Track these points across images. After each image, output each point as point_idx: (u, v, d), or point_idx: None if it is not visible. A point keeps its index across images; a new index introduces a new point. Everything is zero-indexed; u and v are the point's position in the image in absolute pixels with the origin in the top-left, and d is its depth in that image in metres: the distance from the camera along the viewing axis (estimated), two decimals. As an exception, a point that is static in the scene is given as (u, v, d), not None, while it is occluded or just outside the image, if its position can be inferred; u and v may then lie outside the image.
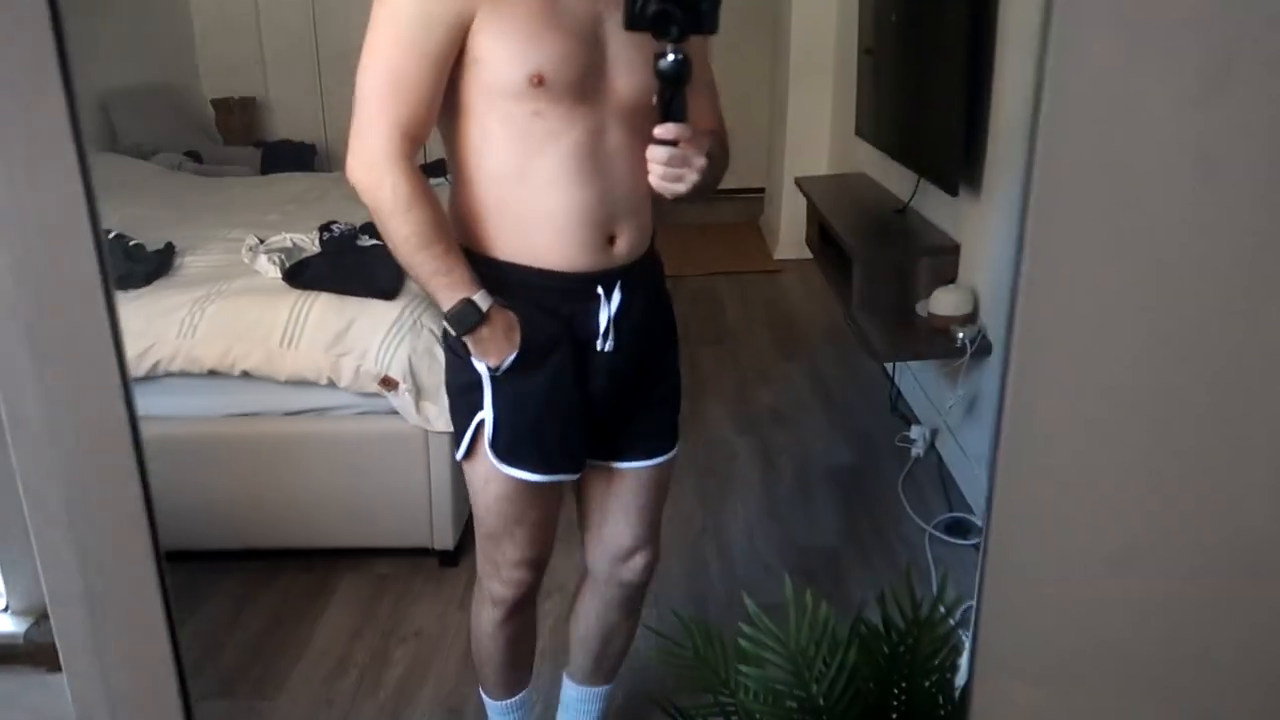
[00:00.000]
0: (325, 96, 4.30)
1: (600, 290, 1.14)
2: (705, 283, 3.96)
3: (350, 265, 1.99)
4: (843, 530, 2.12)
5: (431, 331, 1.88)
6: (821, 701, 0.78)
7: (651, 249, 1.23)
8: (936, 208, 2.31)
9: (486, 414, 1.18)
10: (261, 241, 2.11)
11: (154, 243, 2.13)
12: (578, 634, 1.43)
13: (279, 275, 1.94)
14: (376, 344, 1.84)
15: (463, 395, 1.19)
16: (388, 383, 1.84)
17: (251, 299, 1.91)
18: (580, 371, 1.18)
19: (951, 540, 2.04)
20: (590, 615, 1.40)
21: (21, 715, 0.85)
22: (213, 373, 1.86)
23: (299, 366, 1.85)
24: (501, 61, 1.06)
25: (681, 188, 1.05)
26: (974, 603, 0.72)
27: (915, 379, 2.52)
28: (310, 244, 2.11)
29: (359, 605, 1.91)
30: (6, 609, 0.82)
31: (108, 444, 0.69)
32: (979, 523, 1.99)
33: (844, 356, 3.05)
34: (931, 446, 2.34)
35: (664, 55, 1.00)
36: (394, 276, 1.93)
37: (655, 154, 1.03)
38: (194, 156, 3.61)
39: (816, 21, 3.74)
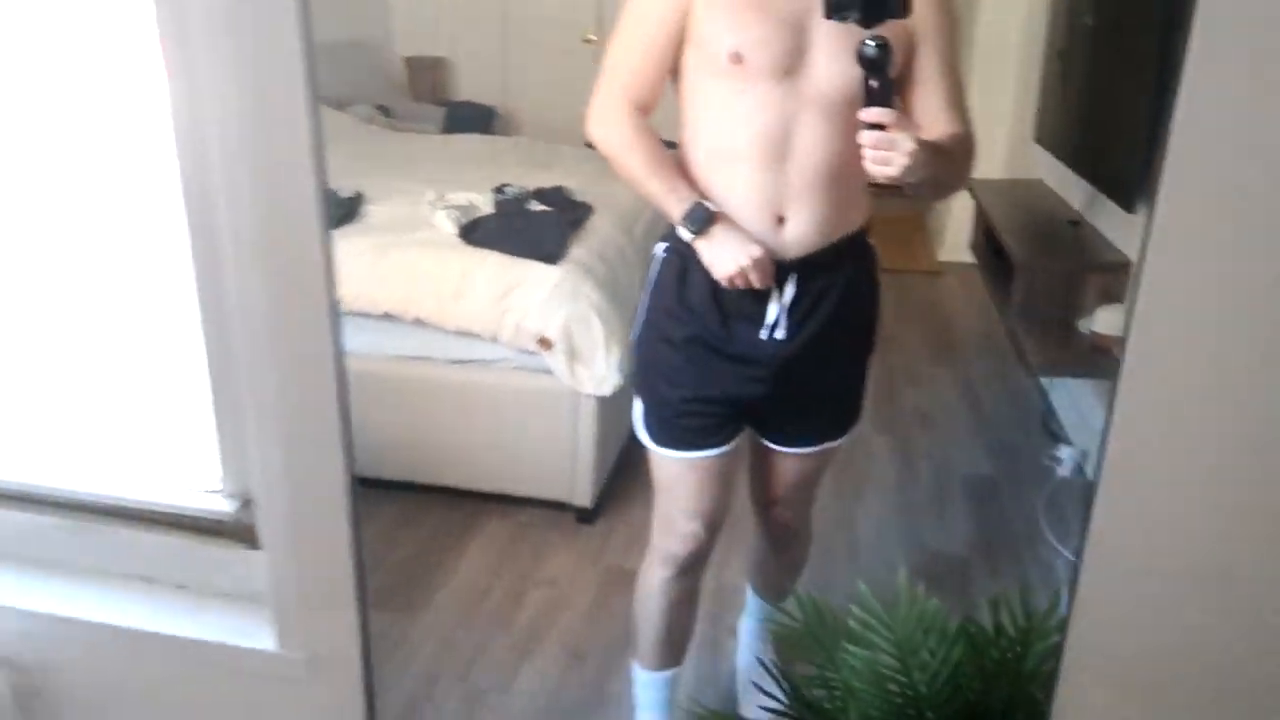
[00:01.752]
0: (508, 60, 4.46)
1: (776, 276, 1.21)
2: (863, 277, 3.92)
3: (520, 228, 2.09)
4: (975, 541, 2.10)
5: (589, 298, 1.97)
6: (923, 690, 0.80)
7: (852, 241, 1.27)
8: (1113, 223, 2.24)
9: (637, 400, 1.33)
10: (440, 197, 2.24)
11: (345, 190, 2.29)
12: (755, 560, 1.63)
13: (455, 231, 2.07)
14: (538, 304, 1.94)
15: (638, 365, 1.36)
16: (545, 342, 1.93)
17: (428, 251, 2.04)
18: (741, 358, 1.26)
19: (1060, 591, 1.99)
20: (759, 547, 1.57)
21: (224, 580, 0.98)
22: (387, 315, 2.00)
23: (466, 319, 1.97)
24: (708, 40, 1.19)
25: (891, 170, 1.08)
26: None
27: (1071, 398, 2.45)
28: (484, 204, 2.22)
29: (499, 547, 2.03)
30: (221, 490, 0.95)
31: (316, 359, 0.80)
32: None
33: (997, 367, 2.98)
34: (1079, 469, 2.28)
35: (864, 41, 1.06)
36: (559, 242, 2.03)
37: (862, 137, 1.09)
38: (384, 111, 3.82)
39: (1003, 18, 3.62)
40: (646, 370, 1.34)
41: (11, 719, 1.09)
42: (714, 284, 1.22)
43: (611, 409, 1.99)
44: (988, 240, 2.65)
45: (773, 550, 1.55)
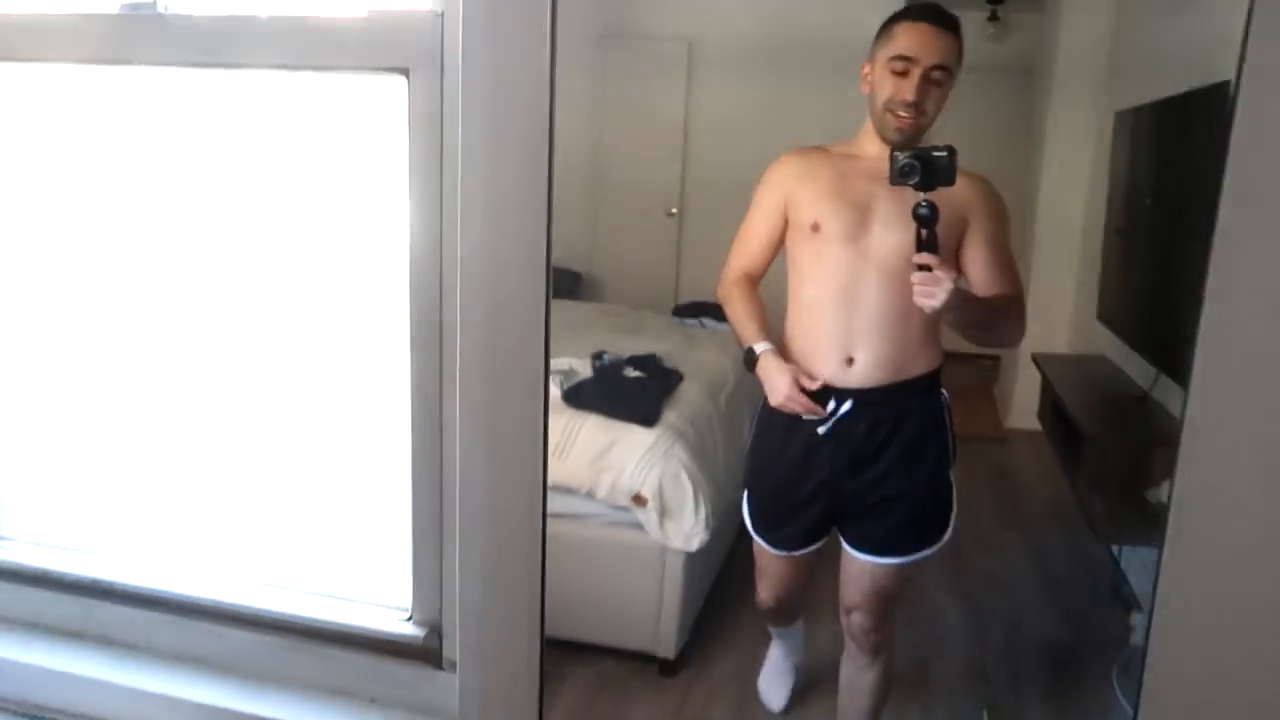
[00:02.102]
0: (597, 227, 4.78)
1: (833, 402, 1.55)
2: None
3: (617, 392, 2.27)
4: (1048, 707, 2.13)
5: (680, 460, 2.12)
6: None
7: (922, 384, 1.58)
8: (1178, 401, 2.34)
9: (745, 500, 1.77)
10: (543, 362, 2.44)
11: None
12: (840, 683, 1.82)
13: (559, 394, 2.25)
14: (633, 464, 2.09)
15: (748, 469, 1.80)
16: (639, 499, 2.08)
17: (532, 411, 2.22)
18: (811, 462, 1.60)
19: None
20: (844, 668, 1.78)
21: (409, 695, 1.16)
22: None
23: (566, 475, 2.12)
24: (798, 215, 1.60)
25: (934, 302, 1.39)
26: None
27: (1144, 565, 2.50)
28: (584, 369, 2.41)
29: (584, 695, 2.12)
30: (410, 618, 1.12)
31: (522, 513, 0.95)
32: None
33: (1066, 534, 3.03)
34: (1153, 637, 2.31)
35: (920, 202, 1.42)
36: (655, 406, 2.20)
37: (914, 275, 1.40)
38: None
39: (1065, 197, 3.83)
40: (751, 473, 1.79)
41: None
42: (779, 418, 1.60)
43: (698, 564, 2.11)
44: (1055, 412, 2.76)
45: (855, 668, 1.75)
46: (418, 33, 1.03)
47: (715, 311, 2.69)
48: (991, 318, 1.52)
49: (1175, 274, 2.32)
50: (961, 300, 1.40)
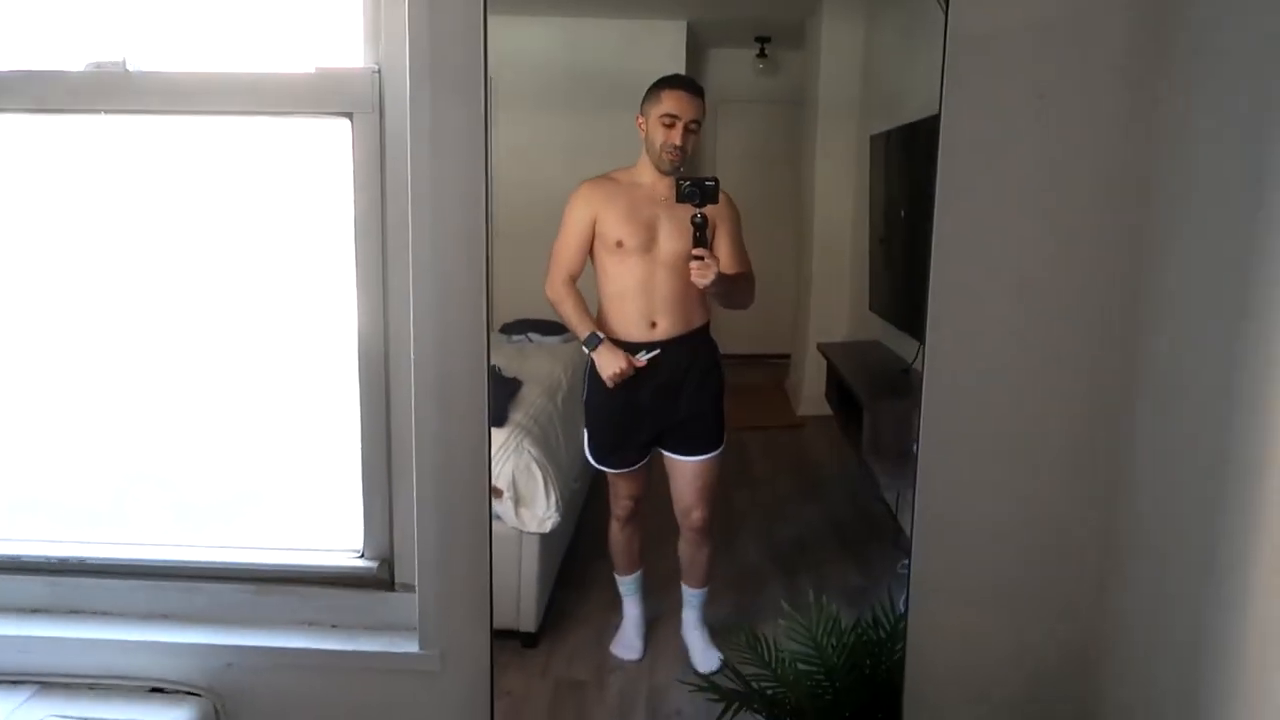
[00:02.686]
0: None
1: (644, 352, 2.29)
2: (736, 436, 4.42)
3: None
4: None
5: (529, 452, 2.38)
6: (835, 660, 1.24)
7: (698, 334, 2.36)
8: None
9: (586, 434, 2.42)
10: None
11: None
12: (679, 553, 2.50)
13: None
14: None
15: (587, 417, 2.42)
16: (496, 492, 2.32)
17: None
18: (634, 402, 2.31)
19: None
20: (680, 544, 2.50)
21: (365, 617, 1.53)
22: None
23: (426, 475, 2.34)
24: (604, 234, 2.27)
25: (706, 280, 2.18)
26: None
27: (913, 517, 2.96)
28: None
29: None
30: (362, 555, 1.44)
31: (470, 450, 1.27)
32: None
33: (854, 498, 3.49)
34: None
35: (695, 216, 2.16)
36: (502, 408, 2.45)
37: (692, 264, 2.16)
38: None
39: (835, 215, 4.30)
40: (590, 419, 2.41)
41: None
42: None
43: (550, 545, 2.38)
44: (838, 390, 3.20)
45: (693, 548, 2.49)
46: (358, 84, 1.31)
47: (540, 326, 2.97)
48: (736, 288, 2.30)
49: (928, 267, 2.77)
50: (719, 278, 2.19)
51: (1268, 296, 1.38)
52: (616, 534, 2.49)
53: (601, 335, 2.28)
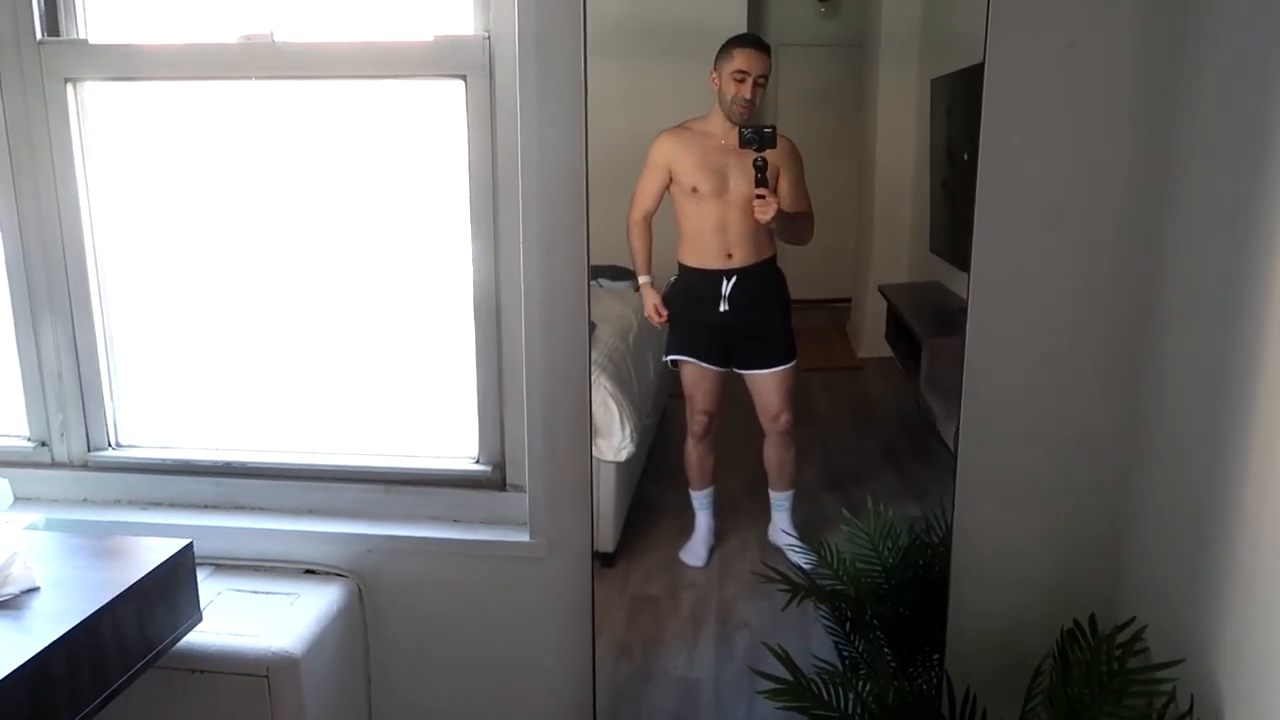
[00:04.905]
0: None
1: (724, 278, 2.42)
2: (799, 378, 4.56)
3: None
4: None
5: (605, 387, 2.55)
6: (891, 561, 1.40)
7: (768, 263, 2.57)
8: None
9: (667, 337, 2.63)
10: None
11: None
12: (765, 459, 2.72)
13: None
14: (567, 394, 2.51)
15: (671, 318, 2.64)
16: (576, 422, 2.50)
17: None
18: (711, 319, 2.54)
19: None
20: (766, 451, 2.72)
21: (481, 514, 1.87)
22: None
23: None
24: (680, 180, 2.50)
25: (767, 217, 2.40)
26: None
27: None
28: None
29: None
30: (478, 461, 1.73)
31: (574, 366, 1.50)
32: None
33: (912, 434, 3.61)
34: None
35: (756, 160, 2.37)
36: (580, 345, 2.61)
37: (755, 203, 2.38)
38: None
39: (896, 158, 4.34)
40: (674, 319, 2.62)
41: (359, 613, 1.93)
42: (694, 286, 2.60)
43: (625, 473, 2.57)
44: (898, 330, 3.30)
45: (779, 451, 2.74)
46: (472, 50, 1.50)
47: (610, 272, 3.11)
48: (796, 224, 2.50)
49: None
50: (780, 214, 2.41)
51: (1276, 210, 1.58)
52: (692, 450, 2.70)
53: (647, 277, 2.58)
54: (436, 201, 2.31)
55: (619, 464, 2.55)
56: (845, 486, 3.15)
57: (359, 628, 2.32)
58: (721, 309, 2.54)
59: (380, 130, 2.21)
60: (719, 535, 2.77)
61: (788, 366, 2.69)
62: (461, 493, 2.21)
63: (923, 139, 3.97)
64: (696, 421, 2.66)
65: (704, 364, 2.62)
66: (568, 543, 2.36)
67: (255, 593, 2.32)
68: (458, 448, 2.28)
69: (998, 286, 2.15)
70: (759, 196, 2.39)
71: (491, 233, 2.21)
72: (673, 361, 2.62)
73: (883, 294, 3.57)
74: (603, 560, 2.64)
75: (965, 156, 3.16)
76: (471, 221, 2.30)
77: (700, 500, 2.72)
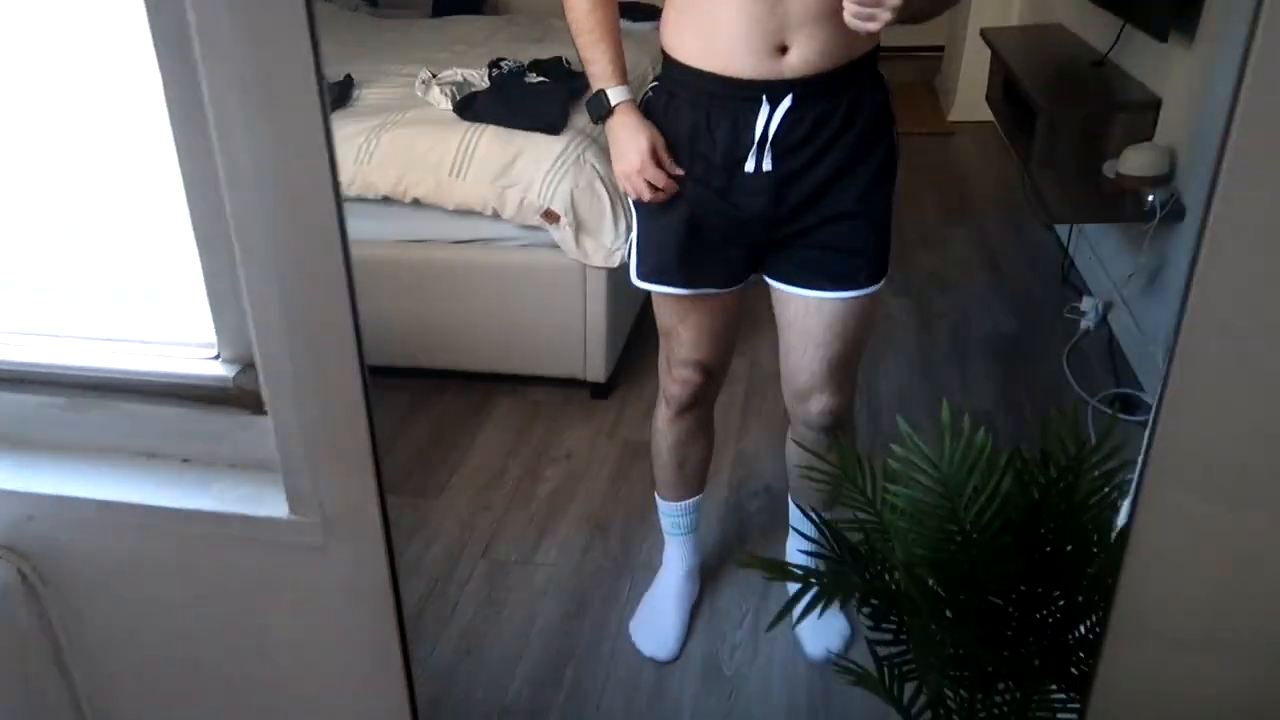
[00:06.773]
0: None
1: (765, 100, 1.15)
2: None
3: (518, 99, 2.00)
4: (1000, 397, 2.07)
5: (594, 167, 1.89)
6: (969, 526, 0.77)
7: (858, 69, 1.18)
8: (1140, 59, 2.13)
9: (632, 236, 1.30)
10: (434, 75, 2.14)
11: (333, 76, 2.20)
12: (787, 460, 1.49)
13: (449, 107, 1.98)
14: (540, 177, 1.86)
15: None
16: (550, 216, 1.87)
17: (424, 129, 1.96)
18: (728, 190, 1.21)
19: (1118, 416, 1.96)
20: (789, 445, 1.46)
21: (228, 449, 0.94)
22: (386, 199, 1.94)
23: (466, 197, 1.90)
24: None
25: (874, 26, 1.03)
26: (1135, 475, 0.70)
27: (1091, 249, 2.38)
28: (480, 79, 2.13)
29: (514, 427, 2.01)
30: (218, 356, 0.90)
31: (316, 207, 0.74)
32: (1148, 399, 1.90)
33: (1016, 223, 2.90)
34: (1103, 320, 2.23)
35: None
36: (560, 112, 1.94)
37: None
38: (369, 0, 3.68)
39: None
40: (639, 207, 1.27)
41: (22, 608, 1.05)
42: (698, 114, 1.18)
43: (622, 281, 1.94)
44: (1005, 90, 2.54)
45: (802, 454, 1.35)
46: None
47: (628, 11, 2.39)
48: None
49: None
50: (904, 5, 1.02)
51: None
52: (663, 430, 1.46)
53: (618, 99, 1.21)
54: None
55: (611, 270, 1.93)
56: (920, 295, 2.49)
57: (33, 631, 1.02)
58: (753, 166, 1.19)
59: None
60: (702, 578, 1.61)
61: (861, 293, 1.25)
62: (194, 413, 0.94)
63: None
64: (678, 377, 1.38)
65: (706, 290, 1.31)
66: (359, 514, 0.99)
67: None
68: (187, 333, 1.06)
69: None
70: None
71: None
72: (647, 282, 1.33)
73: (986, 40, 2.77)
74: (592, 390, 2.09)
75: None
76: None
77: (674, 520, 1.54)
